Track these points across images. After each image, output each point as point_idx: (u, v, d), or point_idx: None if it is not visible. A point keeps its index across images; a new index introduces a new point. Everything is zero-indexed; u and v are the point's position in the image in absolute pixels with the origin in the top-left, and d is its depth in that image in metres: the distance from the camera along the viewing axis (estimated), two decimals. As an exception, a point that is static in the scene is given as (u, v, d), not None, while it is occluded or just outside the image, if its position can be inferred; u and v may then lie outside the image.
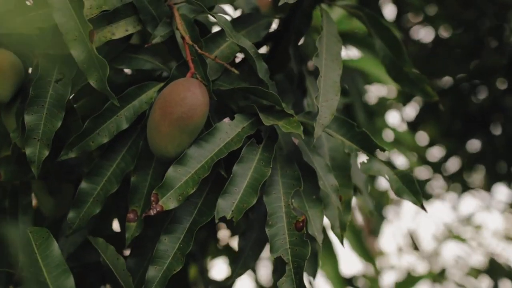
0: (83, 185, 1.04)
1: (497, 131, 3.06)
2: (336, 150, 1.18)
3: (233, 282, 1.22)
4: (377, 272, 2.87)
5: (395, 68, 1.27)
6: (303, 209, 1.02)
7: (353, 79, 2.21)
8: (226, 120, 1.01)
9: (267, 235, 0.96)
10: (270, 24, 1.22)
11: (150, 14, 1.07)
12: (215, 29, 1.18)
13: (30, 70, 1.10)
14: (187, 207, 1.00)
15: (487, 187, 3.52)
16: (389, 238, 3.85)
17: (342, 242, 1.13)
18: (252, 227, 1.18)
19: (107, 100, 1.00)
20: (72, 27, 0.93)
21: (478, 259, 3.84)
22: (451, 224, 4.02)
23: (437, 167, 3.38)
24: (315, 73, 1.07)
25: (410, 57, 1.31)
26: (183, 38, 1.03)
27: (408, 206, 3.93)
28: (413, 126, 3.24)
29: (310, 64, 1.57)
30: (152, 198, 0.92)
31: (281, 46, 1.28)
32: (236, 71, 1.01)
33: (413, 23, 3.38)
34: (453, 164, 3.36)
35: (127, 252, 1.17)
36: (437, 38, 3.24)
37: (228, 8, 1.42)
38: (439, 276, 3.54)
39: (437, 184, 3.64)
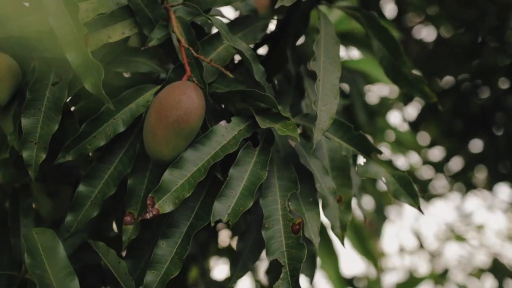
0: (81, 188, 1.05)
1: (499, 131, 3.05)
2: (336, 151, 1.18)
3: (233, 284, 1.21)
4: (379, 272, 2.87)
5: (394, 69, 1.27)
6: (299, 212, 1.02)
7: (353, 79, 2.20)
8: (223, 123, 1.01)
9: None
10: (267, 26, 1.22)
11: (146, 16, 1.07)
12: (215, 30, 1.18)
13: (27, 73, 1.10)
14: (184, 211, 1.00)
15: (490, 186, 3.51)
16: (391, 239, 3.84)
17: (342, 243, 1.13)
18: (251, 229, 1.18)
19: (104, 103, 1.00)
20: (68, 31, 0.93)
21: (481, 259, 3.83)
22: (453, 224, 4.01)
23: (439, 167, 3.38)
24: (314, 74, 1.07)
25: (412, 56, 1.31)
26: (179, 41, 1.02)
27: (410, 206, 3.91)
28: (415, 126, 3.23)
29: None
30: (148, 202, 0.92)
31: (279, 48, 1.28)
32: (230, 75, 1.01)
33: (415, 22, 3.38)
34: (456, 164, 3.35)
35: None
36: (438, 38, 3.23)
37: (228, 9, 1.42)
38: (441, 276, 3.53)
39: (440, 184, 3.64)
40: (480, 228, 3.93)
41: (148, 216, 0.91)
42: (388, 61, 1.26)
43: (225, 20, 1.22)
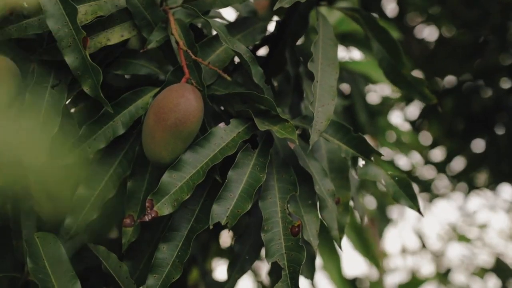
0: (80, 190, 1.05)
1: (500, 130, 3.04)
2: (334, 153, 1.17)
3: (231, 286, 1.21)
4: (381, 273, 2.86)
5: (393, 70, 1.26)
6: (298, 214, 1.02)
7: (354, 80, 2.20)
8: (222, 125, 1.01)
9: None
10: (266, 27, 1.22)
11: (145, 19, 1.07)
12: (215, 32, 1.18)
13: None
14: (185, 214, 1.00)
15: (492, 186, 3.50)
16: (394, 239, 3.83)
17: (340, 245, 1.13)
18: (249, 231, 1.18)
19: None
20: (66, 34, 0.93)
21: (484, 259, 3.82)
22: (456, 223, 4.00)
23: (441, 167, 3.37)
24: (313, 75, 1.06)
25: (413, 56, 1.30)
26: (177, 43, 1.03)
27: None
28: (417, 125, 3.23)
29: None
30: (147, 204, 0.92)
31: (279, 49, 1.28)
32: (228, 78, 1.01)
33: (417, 22, 3.37)
34: (458, 164, 3.34)
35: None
36: (440, 38, 3.23)
37: (228, 10, 1.42)
38: (444, 276, 3.52)
39: (442, 184, 3.63)
40: (482, 228, 3.92)
41: (147, 218, 0.91)
42: (387, 63, 1.26)
43: (224, 22, 1.22)
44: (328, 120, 1.00)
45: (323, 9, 1.38)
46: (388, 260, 3.72)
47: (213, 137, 0.99)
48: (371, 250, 2.27)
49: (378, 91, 2.86)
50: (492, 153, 3.02)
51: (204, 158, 0.97)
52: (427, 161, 3.39)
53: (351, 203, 1.64)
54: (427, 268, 3.81)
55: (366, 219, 3.09)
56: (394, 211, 3.26)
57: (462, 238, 3.88)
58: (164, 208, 0.92)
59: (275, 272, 1.08)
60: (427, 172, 3.52)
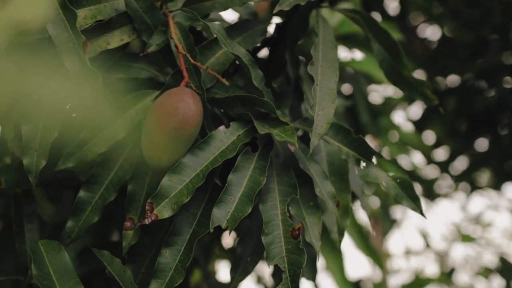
0: (81, 193, 1.05)
1: (503, 130, 3.03)
2: (334, 155, 1.17)
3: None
4: (385, 274, 2.86)
5: (394, 72, 1.26)
6: (300, 217, 1.01)
7: (356, 80, 2.20)
8: (221, 128, 1.01)
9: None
10: (266, 29, 1.22)
11: (145, 23, 1.07)
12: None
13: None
14: (186, 218, 0.99)
15: (496, 186, 3.49)
16: (397, 239, 3.83)
17: (339, 248, 1.12)
18: (251, 233, 1.18)
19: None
20: (66, 39, 0.93)
21: (488, 259, 3.81)
22: (460, 223, 3.99)
23: (444, 167, 3.36)
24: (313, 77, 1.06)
25: (416, 56, 1.30)
26: (177, 47, 1.03)
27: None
28: (419, 125, 3.22)
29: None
30: (147, 207, 0.92)
31: (279, 51, 1.28)
32: (226, 83, 1.01)
33: (419, 21, 3.36)
34: (461, 164, 3.34)
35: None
36: (443, 37, 3.22)
37: (229, 11, 1.42)
38: (448, 277, 3.51)
39: (445, 183, 3.62)
40: (486, 227, 3.91)
41: (147, 221, 0.91)
42: (388, 64, 1.25)
43: (224, 24, 1.22)
44: (329, 123, 1.00)
45: (324, 11, 1.37)
46: (391, 261, 3.72)
47: (213, 140, 0.99)
48: (374, 250, 2.27)
49: (381, 91, 2.85)
50: (495, 153, 3.01)
51: (204, 161, 0.97)
52: (430, 161, 3.38)
53: (358, 203, 1.64)
54: (431, 268, 3.81)
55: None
56: (397, 211, 3.25)
57: (466, 238, 3.86)
58: (164, 211, 0.92)
59: (278, 274, 1.09)
60: (430, 172, 3.51)
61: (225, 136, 1.00)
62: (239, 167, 0.99)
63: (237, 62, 1.20)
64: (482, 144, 3.16)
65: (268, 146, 1.04)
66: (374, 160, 1.06)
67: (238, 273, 1.16)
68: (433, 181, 3.45)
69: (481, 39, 2.98)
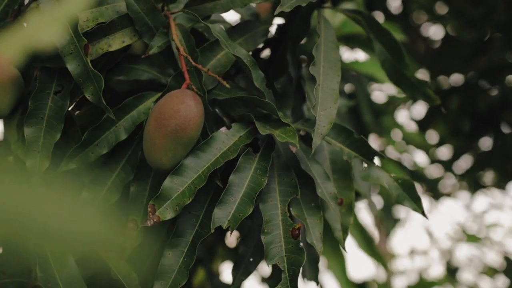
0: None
1: (507, 129, 3.02)
2: (337, 154, 1.17)
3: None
4: (389, 275, 2.85)
5: (396, 72, 1.26)
6: (301, 217, 1.02)
7: (359, 80, 2.20)
8: (223, 129, 1.01)
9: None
10: (268, 30, 1.22)
11: (146, 25, 1.08)
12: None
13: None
14: (189, 220, 1.00)
15: (500, 185, 3.48)
16: (401, 239, 3.82)
17: (343, 246, 1.12)
18: (253, 233, 1.18)
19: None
20: (67, 41, 0.94)
21: (492, 258, 3.80)
22: (464, 223, 3.98)
23: (448, 166, 3.35)
24: (315, 77, 1.06)
25: (419, 55, 1.29)
26: (178, 49, 1.03)
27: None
28: (423, 124, 3.21)
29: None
30: (149, 209, 0.92)
31: (280, 52, 1.28)
32: (227, 85, 1.01)
33: (422, 20, 3.36)
34: (465, 163, 3.33)
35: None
36: (446, 36, 3.21)
37: (231, 12, 1.42)
38: (453, 276, 3.50)
39: (450, 182, 3.61)
40: (490, 227, 3.90)
41: (149, 223, 0.92)
42: (390, 64, 1.25)
43: (226, 26, 1.22)
44: (331, 123, 1.00)
45: (327, 11, 1.37)
46: (396, 261, 3.71)
47: (214, 142, 0.99)
48: (377, 251, 2.26)
49: (384, 90, 2.85)
50: (498, 152, 3.00)
51: (205, 162, 0.97)
52: (434, 160, 3.38)
53: (365, 201, 1.64)
54: (435, 268, 3.80)
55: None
56: (401, 210, 3.24)
57: (472, 238, 3.85)
58: (166, 213, 0.93)
59: (277, 274, 1.09)
60: (434, 171, 3.50)
61: (227, 138, 1.00)
62: (240, 167, 0.99)
63: (238, 63, 1.21)
64: (485, 143, 3.15)
65: (270, 147, 1.04)
66: (376, 160, 1.06)
67: (240, 273, 1.16)
68: (437, 180, 3.44)
69: (484, 37, 2.97)
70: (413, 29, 3.28)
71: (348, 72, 2.12)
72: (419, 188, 3.45)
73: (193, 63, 1.01)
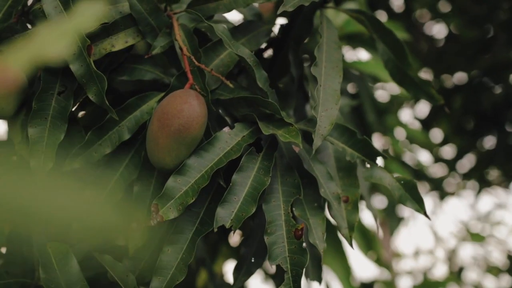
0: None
1: (511, 127, 3.01)
2: (341, 151, 1.17)
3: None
4: (393, 275, 2.85)
5: (399, 72, 1.26)
6: (304, 218, 1.02)
7: (362, 80, 2.19)
8: (226, 129, 1.01)
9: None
10: (270, 30, 1.22)
11: (149, 25, 1.08)
12: (219, 35, 1.17)
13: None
14: (189, 217, 1.00)
15: (505, 184, 3.47)
16: (406, 239, 3.81)
17: (351, 244, 1.12)
18: (255, 234, 1.18)
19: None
20: (71, 42, 0.94)
21: (496, 257, 3.79)
22: (468, 222, 3.97)
23: (452, 165, 3.35)
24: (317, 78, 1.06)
25: (422, 53, 1.29)
26: (181, 49, 1.03)
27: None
28: (427, 123, 3.21)
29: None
30: (152, 208, 0.93)
31: (283, 52, 1.28)
32: (231, 85, 1.02)
33: (426, 19, 3.35)
34: (469, 162, 3.32)
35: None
36: (449, 34, 3.21)
37: (233, 12, 1.43)
38: (457, 276, 3.50)
39: (454, 181, 3.60)
40: (494, 225, 3.89)
41: (152, 223, 0.92)
42: (393, 64, 1.25)
43: (229, 26, 1.22)
44: (332, 124, 1.00)
45: (329, 11, 1.37)
46: (400, 262, 3.71)
47: (217, 141, 0.99)
48: (379, 253, 2.26)
49: (388, 89, 2.85)
50: (502, 150, 3.00)
51: (208, 162, 0.97)
52: (438, 159, 3.37)
53: (364, 203, 1.63)
54: (440, 267, 3.79)
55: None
56: (405, 209, 3.24)
57: (476, 237, 3.84)
58: (169, 212, 0.93)
59: (280, 274, 1.09)
60: (438, 170, 3.49)
61: (230, 137, 1.00)
62: (243, 167, 0.99)
63: (241, 63, 1.21)
64: (489, 141, 3.15)
65: (273, 146, 1.05)
66: (379, 161, 1.06)
67: (242, 273, 1.16)
68: (441, 179, 3.44)
69: (487, 36, 2.96)
70: (416, 27, 3.28)
71: (351, 71, 2.12)
72: (423, 187, 3.44)
73: (196, 63, 1.01)
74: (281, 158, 1.07)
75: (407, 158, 2.94)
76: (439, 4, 3.14)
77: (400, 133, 2.76)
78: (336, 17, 1.88)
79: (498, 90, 3.06)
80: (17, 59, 0.43)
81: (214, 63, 1.09)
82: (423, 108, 3.29)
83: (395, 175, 1.06)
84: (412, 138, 2.83)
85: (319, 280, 1.31)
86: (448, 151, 3.39)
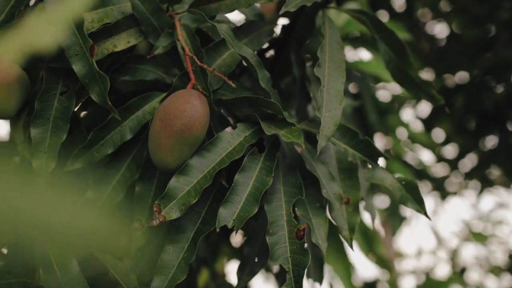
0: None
1: (512, 127, 3.01)
2: (343, 153, 1.17)
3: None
4: (395, 276, 2.84)
5: (400, 72, 1.26)
6: (306, 218, 1.02)
7: (364, 80, 2.19)
8: (228, 129, 1.01)
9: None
10: (272, 31, 1.22)
11: (151, 25, 1.08)
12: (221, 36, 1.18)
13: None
14: (191, 217, 1.00)
15: (506, 183, 3.46)
16: (408, 239, 3.81)
17: (351, 246, 1.12)
18: (257, 234, 1.18)
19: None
20: (73, 43, 0.94)
21: (498, 257, 3.79)
22: (470, 221, 3.97)
23: (454, 164, 3.35)
24: (319, 78, 1.06)
25: (424, 53, 1.29)
26: (183, 49, 1.03)
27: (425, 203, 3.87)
28: (428, 123, 3.21)
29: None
30: (155, 209, 0.93)
31: (285, 52, 1.28)
32: (233, 85, 1.02)
33: (427, 18, 3.35)
34: (471, 161, 3.32)
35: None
36: (451, 34, 3.20)
37: (235, 13, 1.43)
38: (460, 276, 3.49)
39: (456, 181, 3.60)
40: (496, 225, 3.89)
41: (155, 223, 0.92)
42: (394, 64, 1.25)
43: (231, 26, 1.22)
44: (336, 125, 1.00)
45: (331, 11, 1.37)
46: (403, 261, 3.70)
47: (220, 142, 0.99)
48: (380, 253, 2.26)
49: (389, 89, 2.85)
50: (504, 150, 2.99)
51: (211, 162, 0.97)
52: (440, 159, 3.37)
53: (362, 204, 1.64)
54: (442, 267, 3.79)
55: (378, 221, 3.08)
56: (407, 209, 3.24)
57: (479, 237, 3.84)
58: (171, 212, 0.93)
59: (282, 275, 1.09)
60: (440, 170, 3.49)
61: (232, 137, 1.00)
62: (245, 167, 0.99)
63: (243, 63, 1.21)
64: (491, 141, 3.14)
65: (275, 147, 1.05)
66: (380, 161, 1.06)
67: (245, 273, 1.16)
68: (443, 179, 3.44)
69: (489, 35, 2.96)
70: (417, 27, 3.28)
71: (352, 71, 2.12)
72: (425, 187, 3.44)
73: (198, 63, 1.01)
74: (283, 158, 1.07)
75: (409, 157, 2.94)
76: (441, 3, 3.14)
77: (401, 133, 2.76)
78: (337, 18, 1.88)
79: (500, 89, 3.06)
80: (9, 49, 0.42)
81: (216, 63, 1.09)
82: (425, 107, 3.29)
83: (397, 175, 1.06)
84: (413, 138, 2.83)
85: (320, 281, 1.32)
86: (450, 150, 3.39)
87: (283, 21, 1.38)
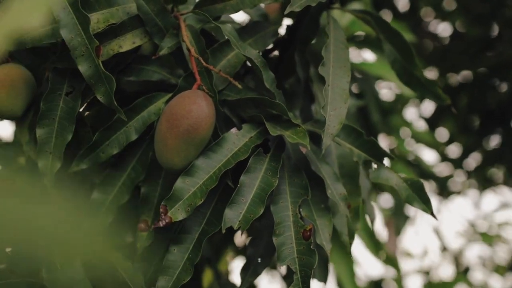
0: (95, 195, 1.06)
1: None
2: (345, 158, 1.17)
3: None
4: (400, 274, 2.84)
5: (406, 72, 1.26)
6: (311, 219, 1.02)
7: (367, 80, 2.19)
8: (234, 130, 1.01)
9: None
10: (277, 31, 1.22)
11: (156, 26, 1.08)
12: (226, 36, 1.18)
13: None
14: (196, 217, 1.00)
15: (510, 183, 3.46)
16: (412, 238, 3.80)
17: (349, 250, 1.12)
18: (261, 235, 1.18)
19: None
20: (79, 43, 0.94)
21: (502, 257, 3.78)
22: (474, 221, 3.96)
23: (458, 163, 3.34)
24: (324, 77, 1.06)
25: (427, 52, 1.29)
26: (189, 50, 1.03)
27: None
28: (432, 122, 3.20)
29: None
30: (161, 210, 0.93)
31: (289, 52, 1.28)
32: (239, 85, 1.02)
33: (431, 17, 3.34)
34: (475, 160, 3.31)
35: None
36: (454, 33, 3.20)
37: (239, 13, 1.42)
38: (463, 276, 3.49)
39: (460, 180, 3.59)
40: (500, 225, 3.88)
41: (161, 224, 0.92)
42: (400, 65, 1.25)
43: (235, 26, 1.22)
44: (341, 123, 1.00)
45: (335, 12, 1.37)
46: (407, 261, 3.70)
47: (225, 142, 0.99)
48: (385, 252, 2.25)
49: (393, 88, 2.84)
50: (507, 149, 2.99)
51: (216, 163, 0.97)
52: (444, 158, 3.36)
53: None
54: (446, 267, 3.78)
55: (382, 221, 3.07)
56: (411, 208, 3.23)
57: (485, 237, 3.82)
58: (178, 213, 0.93)
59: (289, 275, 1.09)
60: (444, 169, 3.48)
61: (237, 138, 1.00)
62: (251, 168, 0.99)
63: (248, 63, 1.21)
64: (495, 140, 3.14)
65: (280, 147, 1.05)
66: (385, 161, 1.06)
67: (249, 274, 1.16)
68: (447, 178, 3.43)
69: (492, 34, 2.95)
70: (421, 26, 3.27)
71: (356, 72, 2.12)
72: (429, 186, 3.43)
73: (204, 63, 1.01)
74: (288, 159, 1.07)
75: (412, 157, 2.93)
76: (444, 2, 3.13)
77: (405, 133, 2.76)
78: (341, 18, 1.88)
79: (503, 88, 3.05)
80: None
81: (221, 64, 1.09)
82: (428, 107, 3.28)
83: (402, 175, 1.05)
84: (417, 138, 2.82)
85: (325, 281, 1.31)
86: (454, 150, 3.38)
87: (287, 22, 1.37)
